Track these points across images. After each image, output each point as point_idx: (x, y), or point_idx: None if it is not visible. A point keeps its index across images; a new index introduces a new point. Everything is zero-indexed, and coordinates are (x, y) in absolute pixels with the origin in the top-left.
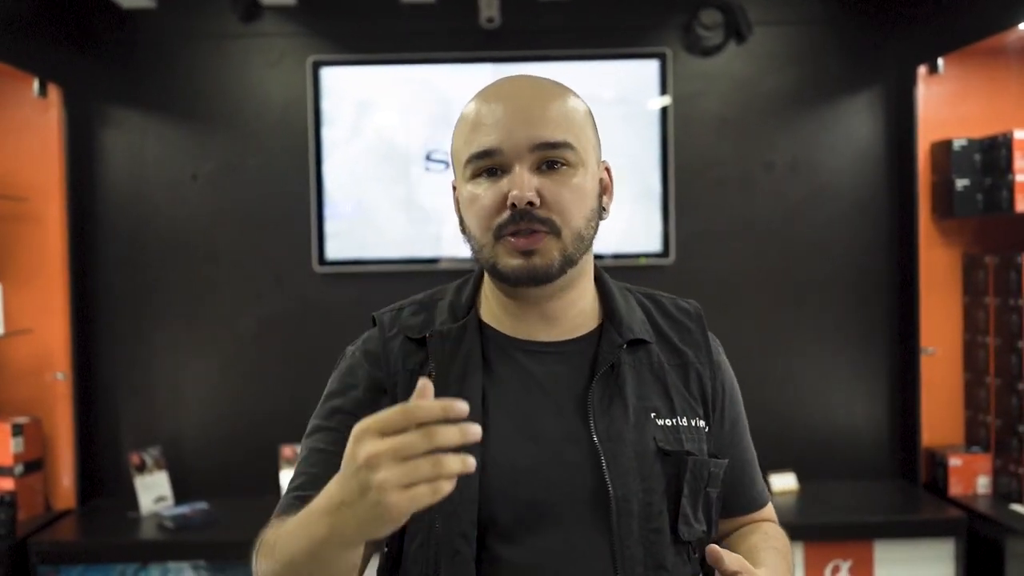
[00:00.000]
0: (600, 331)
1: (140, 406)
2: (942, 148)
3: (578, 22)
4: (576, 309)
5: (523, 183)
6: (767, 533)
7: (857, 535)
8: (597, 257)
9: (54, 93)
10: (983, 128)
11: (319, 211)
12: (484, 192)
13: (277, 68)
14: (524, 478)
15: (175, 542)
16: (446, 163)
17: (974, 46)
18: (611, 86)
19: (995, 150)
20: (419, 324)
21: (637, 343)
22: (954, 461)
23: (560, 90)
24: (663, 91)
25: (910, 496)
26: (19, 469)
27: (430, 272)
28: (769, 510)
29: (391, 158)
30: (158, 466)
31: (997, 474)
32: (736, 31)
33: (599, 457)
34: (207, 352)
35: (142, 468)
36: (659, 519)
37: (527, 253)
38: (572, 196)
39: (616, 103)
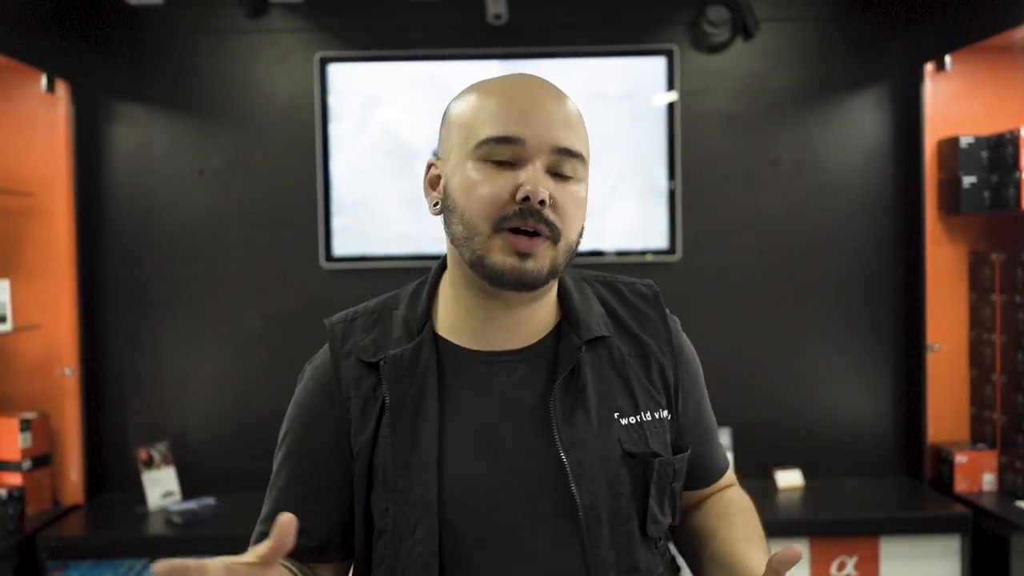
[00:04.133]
0: (558, 331)
1: (147, 401)
2: (949, 145)
3: (585, 18)
4: (540, 314)
5: (542, 180)
6: (731, 507)
7: (863, 531)
8: (600, 254)
9: (62, 88)
10: (990, 125)
11: (326, 207)
12: (493, 180)
13: (284, 64)
14: (487, 496)
15: (182, 537)
16: None
17: (982, 43)
18: (618, 82)
19: (1002, 147)
20: (372, 344)
21: (596, 339)
22: (960, 458)
23: (572, 100)
24: (670, 87)
25: (915, 493)
26: (27, 464)
27: None
28: (730, 474)
29: (398, 154)
30: (165, 461)
31: (1002, 471)
32: (743, 28)
33: (564, 467)
34: (214, 347)
35: (149, 463)
36: (629, 522)
37: (523, 255)
38: (575, 208)
39: (623, 99)
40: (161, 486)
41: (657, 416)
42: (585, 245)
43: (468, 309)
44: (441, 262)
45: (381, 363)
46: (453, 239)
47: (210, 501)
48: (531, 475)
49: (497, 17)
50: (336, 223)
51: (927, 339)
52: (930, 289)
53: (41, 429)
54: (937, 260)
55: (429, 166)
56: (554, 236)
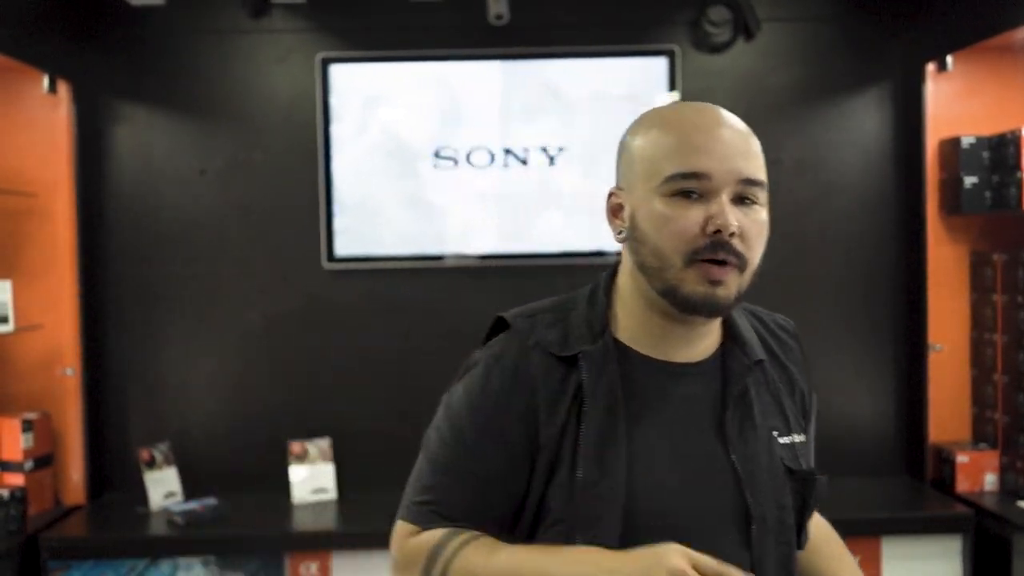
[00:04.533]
0: (723, 350)
1: (149, 402)
2: (950, 145)
3: (586, 18)
4: (712, 333)
5: (730, 212)
6: (822, 531)
7: (864, 531)
8: (602, 254)
9: (63, 89)
10: (992, 126)
11: (328, 207)
12: (683, 214)
13: (285, 64)
14: (671, 501)
15: (184, 537)
16: (455, 160)
17: (983, 44)
18: (620, 83)
19: (1003, 147)
20: (559, 339)
21: (755, 362)
22: (961, 458)
23: (746, 126)
24: (671, 88)
25: (917, 493)
26: (29, 465)
27: (436, 269)
28: None
29: (399, 154)
30: (167, 461)
31: (1004, 471)
32: (744, 28)
33: (740, 478)
34: (216, 348)
35: (151, 463)
36: (789, 533)
37: (715, 283)
38: (760, 234)
39: (624, 99)
40: (163, 486)
41: (801, 440)
42: (588, 246)
43: (647, 323)
44: (610, 271)
45: (579, 356)
46: (642, 267)
47: (212, 501)
48: (712, 485)
49: (498, 17)
50: (337, 223)
51: (928, 339)
52: (931, 289)
53: (43, 429)
54: (938, 260)
55: (610, 194)
56: (741, 264)
